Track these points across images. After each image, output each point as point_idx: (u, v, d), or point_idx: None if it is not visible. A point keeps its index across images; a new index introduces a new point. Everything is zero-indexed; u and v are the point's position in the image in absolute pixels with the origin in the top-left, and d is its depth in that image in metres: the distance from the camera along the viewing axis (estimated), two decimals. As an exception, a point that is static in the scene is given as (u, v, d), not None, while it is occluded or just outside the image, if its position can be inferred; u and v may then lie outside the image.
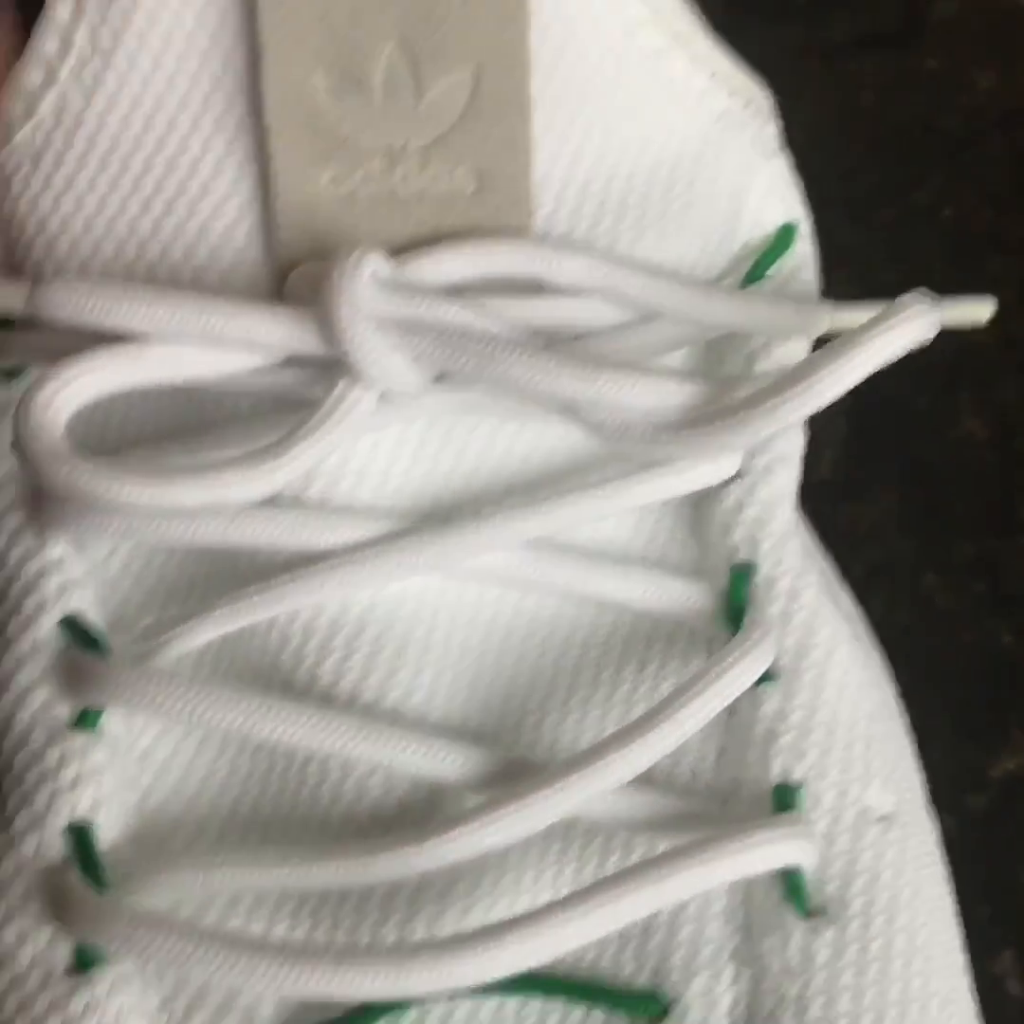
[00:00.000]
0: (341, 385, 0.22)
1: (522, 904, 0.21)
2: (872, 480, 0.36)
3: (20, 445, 0.21)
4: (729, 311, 0.23)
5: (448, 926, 0.21)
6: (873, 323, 0.21)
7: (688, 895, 0.20)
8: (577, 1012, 0.21)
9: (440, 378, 0.23)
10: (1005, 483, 0.36)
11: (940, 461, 0.37)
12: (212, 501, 0.21)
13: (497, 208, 0.23)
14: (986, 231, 0.40)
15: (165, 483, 0.21)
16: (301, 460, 0.21)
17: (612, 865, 0.22)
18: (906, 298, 0.21)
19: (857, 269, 0.34)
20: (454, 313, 0.22)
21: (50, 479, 0.21)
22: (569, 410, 0.22)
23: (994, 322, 0.39)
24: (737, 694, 0.21)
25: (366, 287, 0.22)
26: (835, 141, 0.41)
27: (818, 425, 0.38)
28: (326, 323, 0.22)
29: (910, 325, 0.21)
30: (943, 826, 0.31)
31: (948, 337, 0.40)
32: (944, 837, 0.31)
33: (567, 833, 0.22)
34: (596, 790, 0.20)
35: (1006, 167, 0.41)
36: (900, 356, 0.21)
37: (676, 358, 0.25)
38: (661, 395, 0.21)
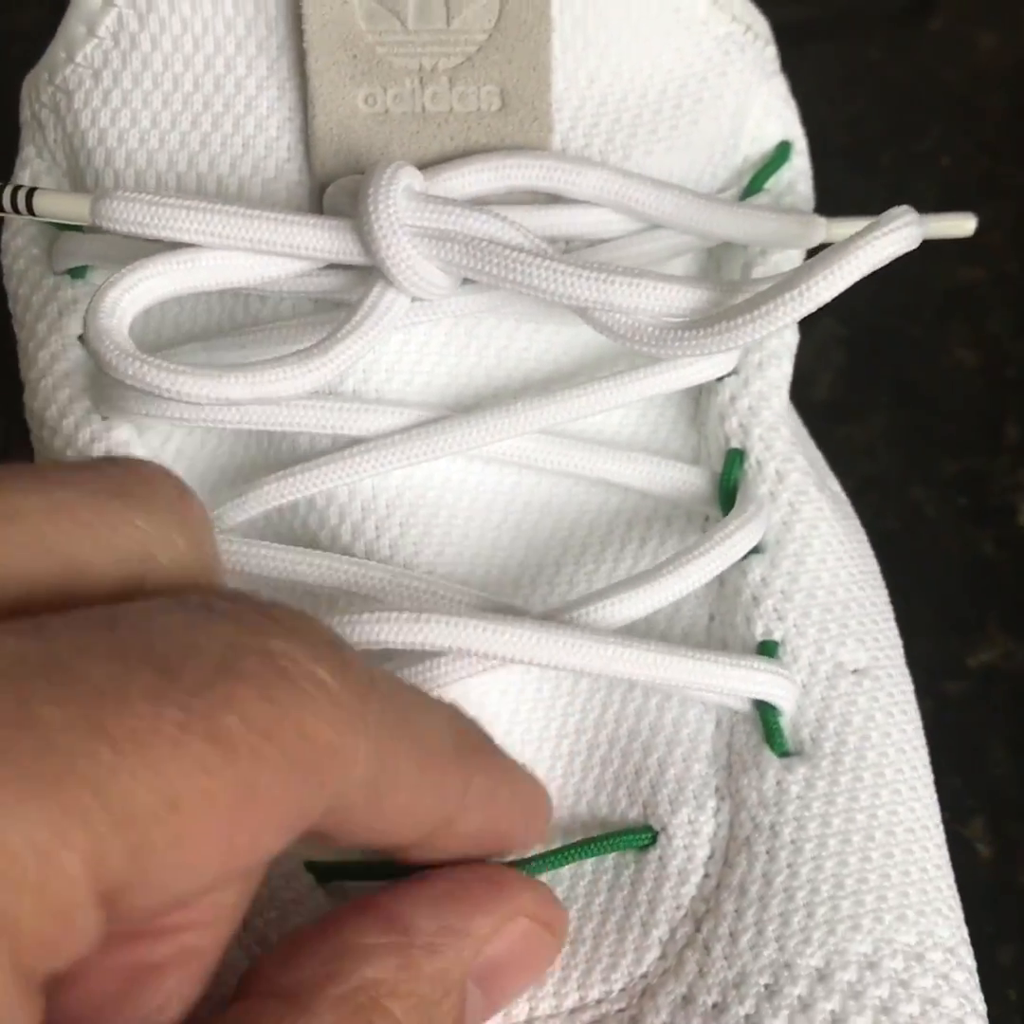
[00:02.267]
0: (376, 289, 0.24)
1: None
2: (866, 402, 0.39)
3: (90, 346, 0.23)
4: (733, 221, 0.25)
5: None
6: (864, 232, 0.23)
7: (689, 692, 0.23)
8: (588, 864, 0.23)
9: (465, 282, 0.25)
10: (992, 407, 0.38)
11: (931, 386, 0.39)
12: (261, 395, 0.23)
13: (520, 125, 0.25)
14: (981, 178, 0.42)
15: (220, 379, 0.23)
16: (342, 358, 0.24)
17: (611, 716, 0.24)
18: (894, 210, 0.23)
19: (857, 212, 0.36)
20: (481, 223, 0.24)
21: (118, 375, 0.23)
22: (584, 313, 0.24)
23: (986, 260, 0.41)
24: (732, 561, 0.24)
25: (400, 199, 0.24)
26: (841, 92, 0.43)
27: (817, 352, 0.40)
28: (363, 232, 0.24)
29: (898, 234, 0.23)
30: (922, 709, 0.34)
31: (942, 274, 0.42)
32: (923, 719, 0.34)
33: (573, 685, 0.25)
34: (602, 622, 0.23)
35: (1002, 120, 0.43)
36: (887, 262, 0.23)
37: (679, 264, 0.27)
38: (668, 300, 0.23)
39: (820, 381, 0.39)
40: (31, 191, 0.25)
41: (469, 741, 0.19)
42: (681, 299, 0.23)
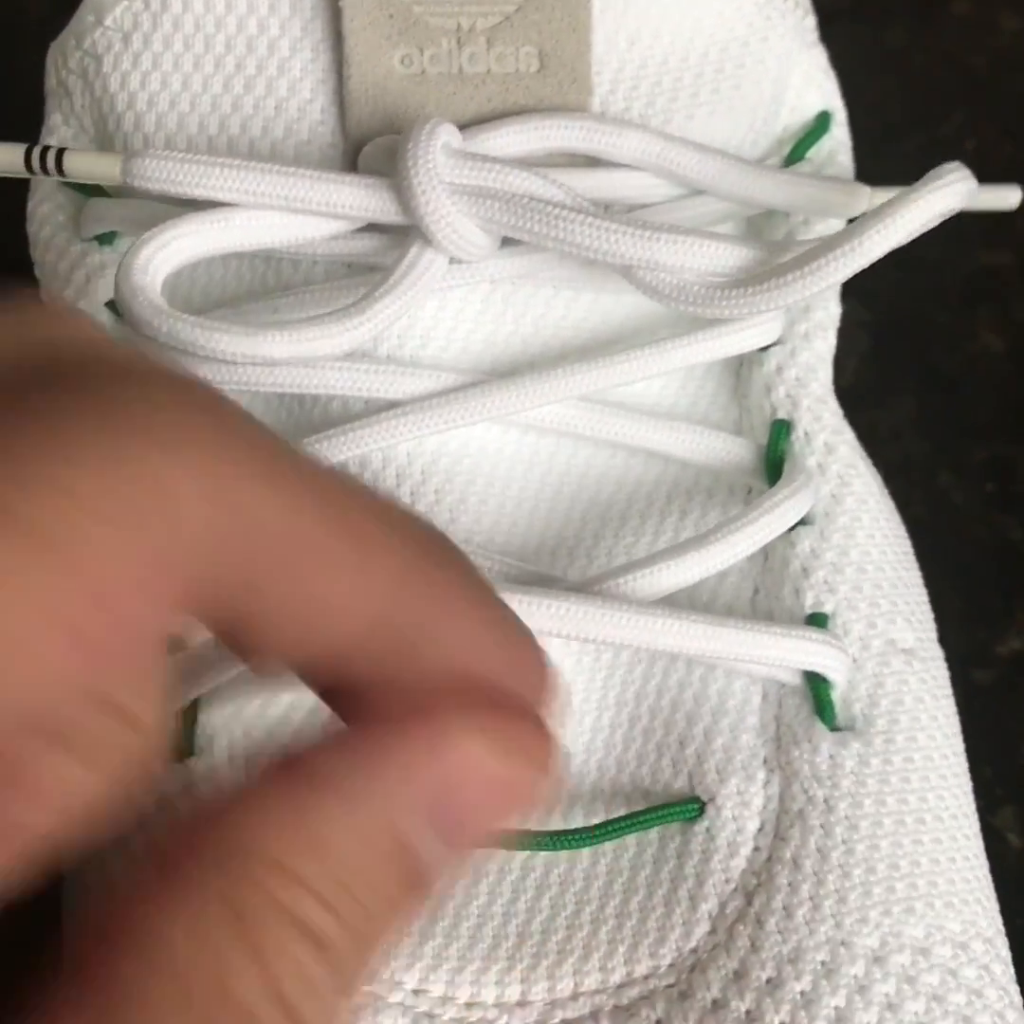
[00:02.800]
0: (414, 249, 0.24)
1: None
2: (892, 388, 0.38)
3: (123, 303, 0.23)
4: (777, 188, 0.25)
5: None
6: (917, 186, 0.22)
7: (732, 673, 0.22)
8: (631, 836, 0.23)
9: (504, 245, 0.24)
10: (1020, 392, 0.38)
11: (958, 371, 0.38)
12: (298, 354, 0.23)
13: (558, 87, 0.25)
14: (1006, 163, 0.41)
15: (256, 336, 0.22)
16: (380, 318, 0.23)
17: (653, 687, 0.24)
18: (946, 166, 0.23)
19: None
20: (522, 180, 0.23)
21: (151, 332, 0.23)
22: (627, 272, 0.23)
23: (1011, 245, 0.41)
24: (781, 530, 0.23)
25: (439, 155, 0.23)
26: (864, 77, 0.43)
27: (841, 337, 0.40)
28: (402, 190, 0.23)
29: (951, 188, 0.22)
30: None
31: (966, 258, 0.42)
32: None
33: (614, 657, 0.24)
34: (644, 591, 0.22)
35: (1026, 105, 0.42)
36: (938, 220, 0.22)
37: (721, 233, 0.26)
38: (714, 257, 0.23)
39: (845, 366, 0.38)
40: (60, 151, 0.25)
41: (417, 533, 0.16)
42: (728, 257, 0.23)
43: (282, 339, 0.23)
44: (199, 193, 0.23)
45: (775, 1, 0.26)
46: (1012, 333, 0.39)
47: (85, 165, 0.25)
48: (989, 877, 0.24)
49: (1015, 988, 0.23)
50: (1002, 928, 0.24)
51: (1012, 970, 0.23)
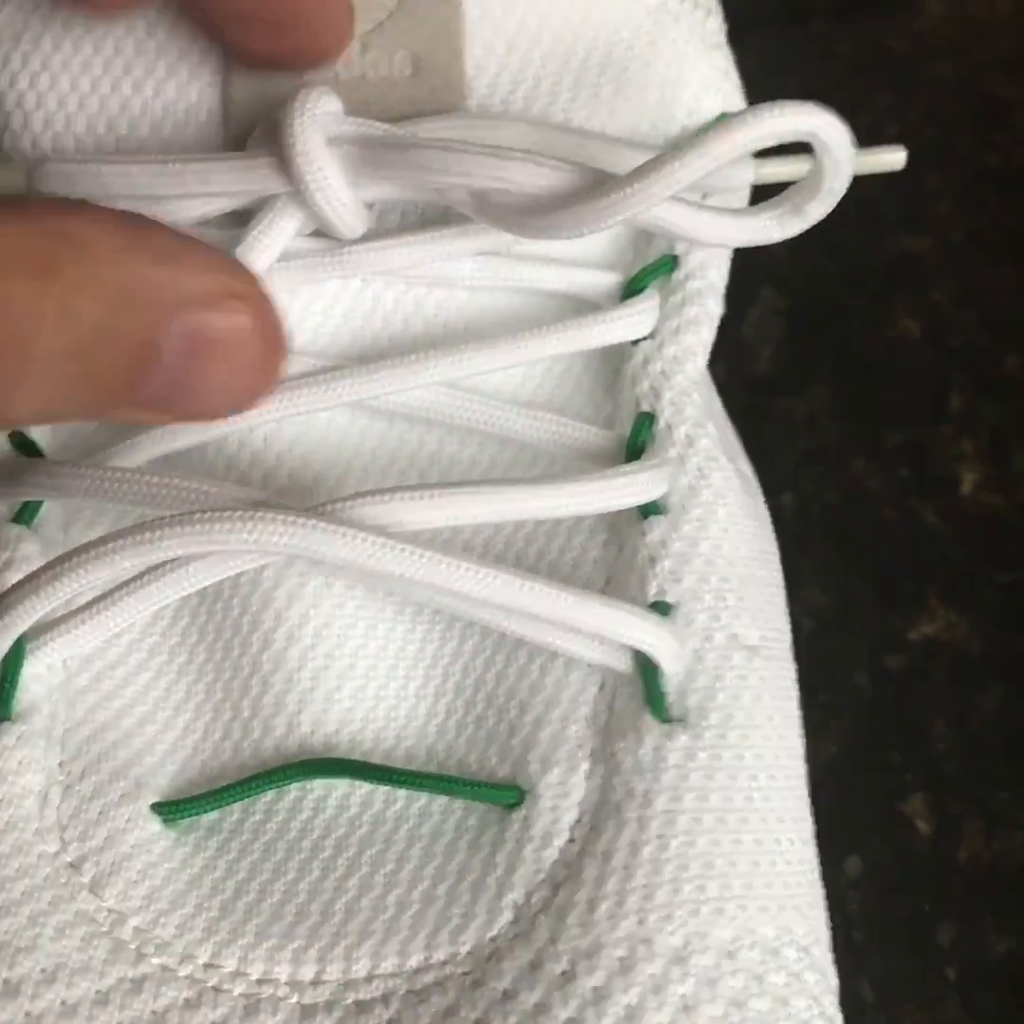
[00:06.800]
0: (269, 214, 0.24)
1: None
2: (807, 374, 0.38)
3: None
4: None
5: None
6: (735, 116, 0.22)
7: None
8: (439, 802, 0.23)
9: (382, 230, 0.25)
10: (937, 377, 0.38)
11: (875, 357, 0.38)
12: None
13: (433, 91, 0.25)
14: (928, 147, 0.42)
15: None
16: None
17: (492, 676, 0.24)
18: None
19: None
20: (383, 130, 0.24)
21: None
22: (481, 200, 0.24)
23: (930, 230, 0.41)
24: (627, 501, 0.23)
25: (320, 111, 0.24)
26: (786, 63, 0.43)
27: (757, 324, 0.40)
28: (282, 147, 0.24)
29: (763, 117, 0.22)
30: (859, 684, 0.34)
31: (885, 243, 0.42)
32: (860, 694, 0.34)
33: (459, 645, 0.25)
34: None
35: (950, 89, 0.42)
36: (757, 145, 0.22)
37: (606, 235, 0.26)
38: (555, 177, 0.23)
39: (760, 353, 0.38)
40: None
41: None
42: (567, 177, 0.23)
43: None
44: (96, 192, 0.24)
45: (669, 4, 0.26)
46: (929, 317, 0.39)
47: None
48: (817, 885, 0.24)
49: (830, 999, 0.22)
50: (822, 938, 0.23)
51: (833, 982, 0.23)
